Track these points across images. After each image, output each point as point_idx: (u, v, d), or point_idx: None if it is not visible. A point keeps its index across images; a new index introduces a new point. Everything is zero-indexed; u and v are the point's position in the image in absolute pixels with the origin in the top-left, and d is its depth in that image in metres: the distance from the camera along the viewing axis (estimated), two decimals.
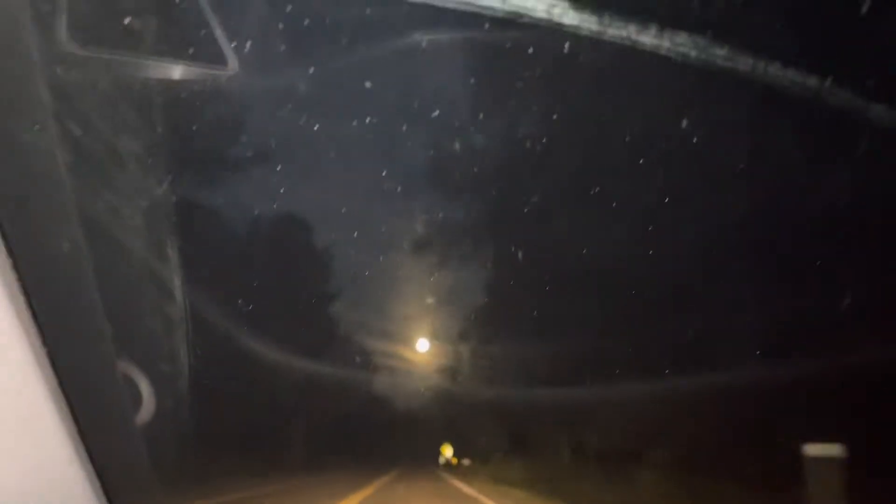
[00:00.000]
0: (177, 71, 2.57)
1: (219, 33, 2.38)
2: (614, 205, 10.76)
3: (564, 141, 12.02)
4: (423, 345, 23.73)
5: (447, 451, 29.24)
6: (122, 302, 2.22)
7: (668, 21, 4.26)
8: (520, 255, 16.69)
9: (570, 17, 3.85)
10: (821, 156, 7.25)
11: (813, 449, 5.27)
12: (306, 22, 7.79)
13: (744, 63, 4.41)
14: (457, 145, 15.41)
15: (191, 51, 2.53)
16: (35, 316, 1.20)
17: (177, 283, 3.41)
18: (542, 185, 14.10)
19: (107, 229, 2.37)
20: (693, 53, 4.21)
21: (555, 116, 11.66)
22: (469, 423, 25.60)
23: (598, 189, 11.15)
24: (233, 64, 2.43)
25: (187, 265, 3.68)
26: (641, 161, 9.21)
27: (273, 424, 16.43)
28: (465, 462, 27.35)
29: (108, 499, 1.34)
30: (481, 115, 13.44)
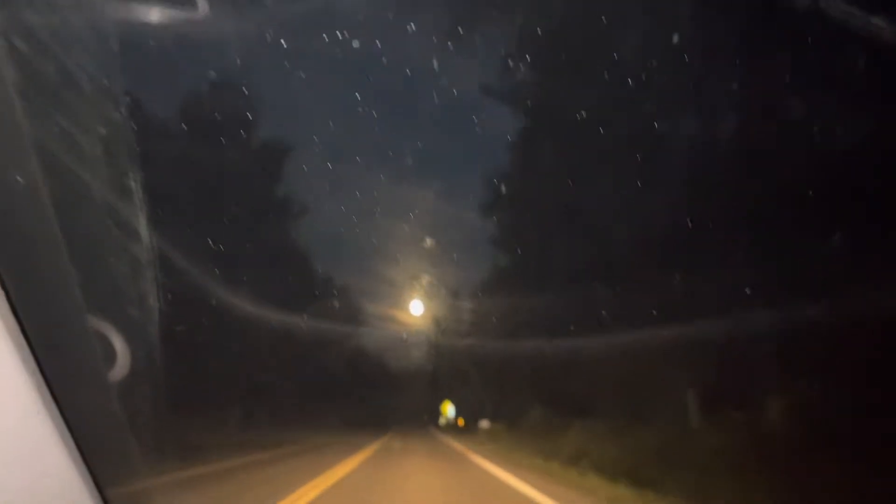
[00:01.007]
0: None
1: None
2: (601, 137, 10.72)
3: (549, 62, 11.79)
4: (415, 305, 23.61)
5: (448, 411, 27.74)
6: (85, 241, 2.13)
7: None
8: (503, 188, 16.70)
9: None
10: (817, 80, 7.20)
11: None
12: None
13: None
14: (435, 64, 14.83)
15: None
16: None
17: (142, 220, 3.31)
18: (526, 112, 13.87)
19: (64, 161, 2.24)
20: None
21: (539, 31, 11.29)
22: (458, 379, 25.52)
23: (583, 114, 11.05)
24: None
25: (152, 201, 3.55)
26: (631, 82, 9.09)
27: (253, 378, 16.54)
28: (461, 423, 26.03)
29: (83, 456, 1.32)
30: (460, 30, 12.88)
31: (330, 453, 10.99)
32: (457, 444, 15.81)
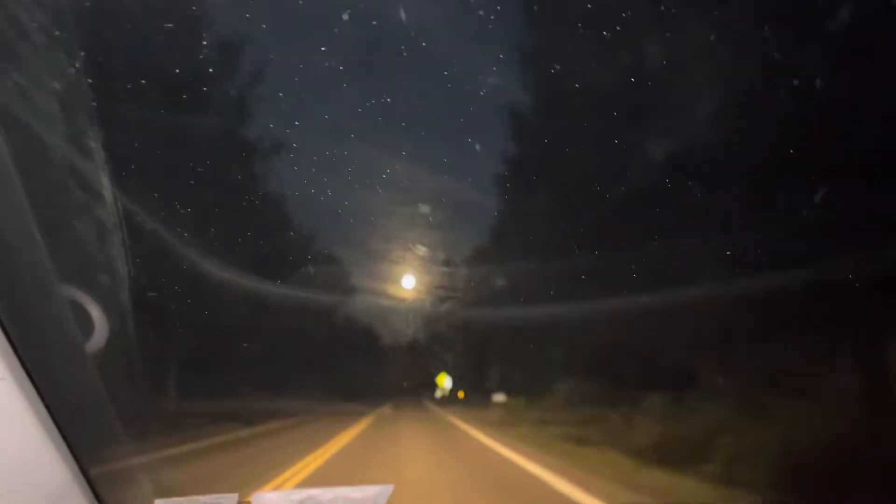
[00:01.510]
0: None
1: None
2: (586, 101, 10.68)
3: (533, 29, 11.60)
4: (405, 277, 23.19)
5: (444, 382, 25.80)
6: (48, 204, 2.05)
7: None
8: (477, 147, 16.58)
9: None
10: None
11: None
12: None
13: None
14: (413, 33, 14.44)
15: None
16: None
17: (105, 182, 3.20)
18: (514, 82, 13.73)
19: (18, 116, 2.13)
20: None
21: None
22: (451, 351, 24.94)
23: (577, 86, 10.97)
24: None
25: (114, 161, 3.43)
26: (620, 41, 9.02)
27: (233, 346, 16.42)
28: (461, 395, 24.03)
29: (60, 430, 1.30)
30: None
31: (317, 430, 11.13)
32: (464, 424, 13.27)
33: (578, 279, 11.68)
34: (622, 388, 9.96)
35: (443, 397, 25.91)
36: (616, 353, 10.87)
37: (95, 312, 1.64)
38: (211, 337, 14.11)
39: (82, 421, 1.51)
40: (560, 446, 8.37)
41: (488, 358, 20.51)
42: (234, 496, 1.64)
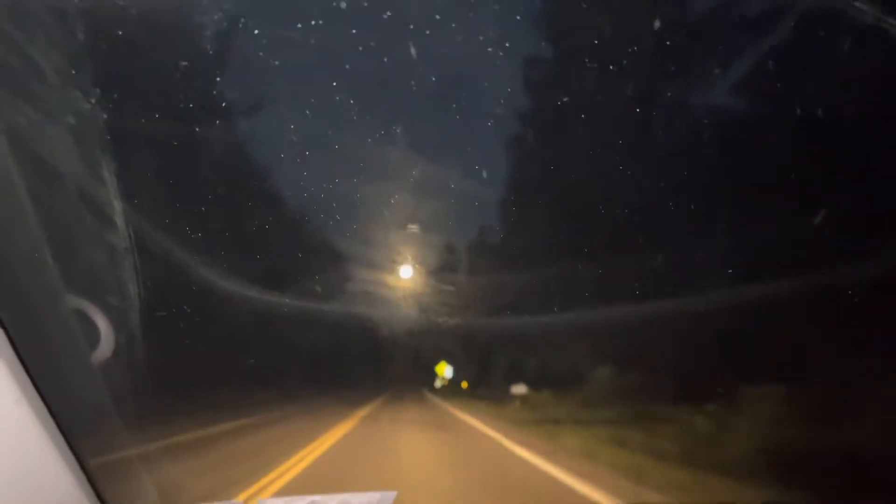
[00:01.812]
0: None
1: None
2: (588, 117, 10.80)
3: (530, 40, 11.81)
4: (403, 272, 22.97)
5: (444, 371, 24.02)
6: (61, 232, 2.21)
7: None
8: (484, 174, 16.71)
9: None
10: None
11: None
12: None
13: None
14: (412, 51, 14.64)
15: None
16: None
17: (117, 208, 3.37)
18: (506, 90, 13.86)
19: (35, 152, 2.30)
20: None
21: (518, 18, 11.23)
22: (448, 348, 24.26)
23: (566, 100, 11.14)
24: None
25: (126, 189, 3.61)
26: (613, 67, 9.19)
27: (239, 361, 16.69)
28: (465, 385, 22.26)
29: (68, 441, 1.39)
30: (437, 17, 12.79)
31: (314, 426, 11.05)
32: (478, 422, 10.86)
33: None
34: (691, 380, 7.69)
35: (443, 387, 24.34)
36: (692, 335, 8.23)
37: (102, 324, 1.77)
38: (217, 347, 14.33)
39: (88, 430, 1.62)
40: (627, 460, 6.06)
41: (500, 344, 17.36)
42: (239, 502, 1.71)
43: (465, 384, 21.84)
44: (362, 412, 14.90)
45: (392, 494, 1.76)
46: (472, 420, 12.01)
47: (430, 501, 4.49)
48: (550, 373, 13.36)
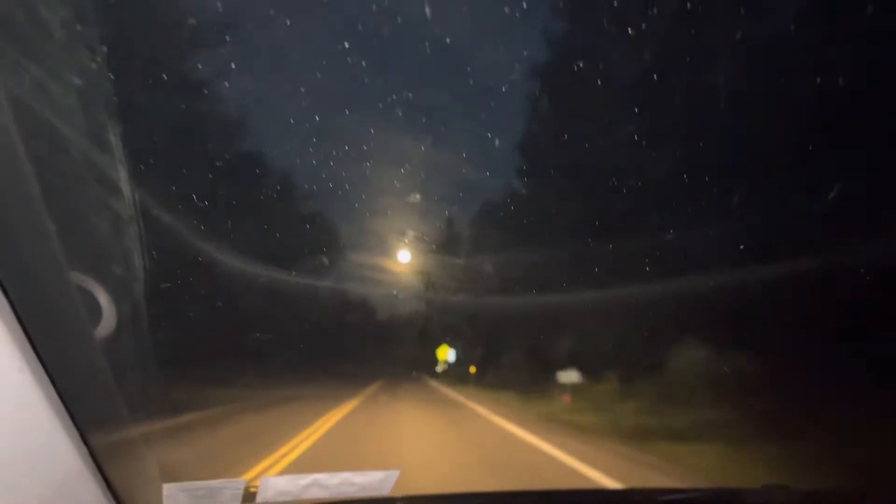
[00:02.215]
0: None
1: None
2: (599, 87, 10.63)
3: (548, 1, 11.61)
4: (402, 255, 22.82)
5: (446, 355, 22.64)
6: (64, 197, 2.13)
7: None
8: (497, 142, 16.57)
9: None
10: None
11: None
12: None
13: None
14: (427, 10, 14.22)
15: None
16: None
17: (122, 175, 3.29)
18: (514, 58, 13.66)
19: (38, 113, 2.21)
20: None
21: None
22: (448, 330, 24.18)
23: (582, 65, 10.97)
24: None
25: (132, 155, 3.53)
26: (631, 31, 8.99)
27: (243, 334, 16.81)
28: (473, 370, 20.26)
29: (71, 415, 1.35)
30: None
31: (318, 406, 11.12)
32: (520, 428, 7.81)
33: None
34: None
35: (444, 372, 22.90)
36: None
37: (105, 294, 1.71)
38: (222, 323, 14.42)
39: (92, 406, 1.57)
40: None
41: (517, 323, 14.64)
42: (242, 481, 1.69)
43: (473, 369, 20.28)
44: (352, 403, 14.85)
45: (395, 474, 1.77)
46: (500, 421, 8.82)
47: (432, 481, 4.57)
48: (600, 355, 9.77)
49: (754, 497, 2.03)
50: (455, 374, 21.46)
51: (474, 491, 2.55)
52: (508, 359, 15.38)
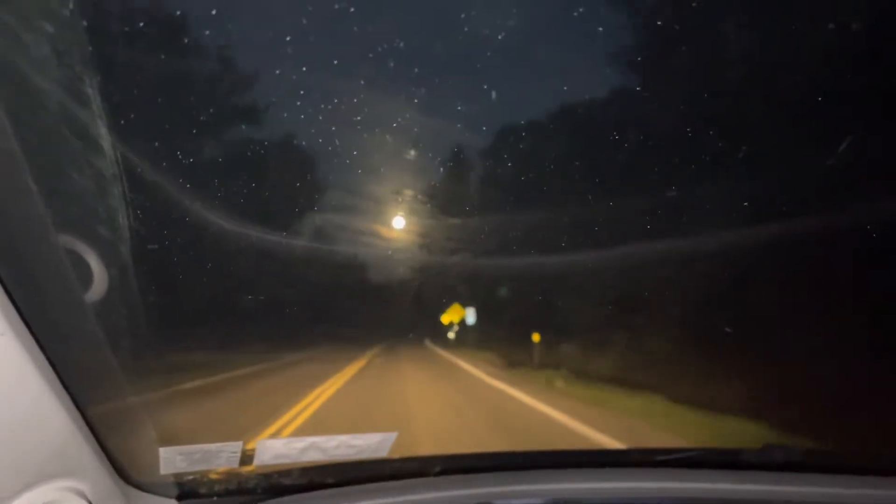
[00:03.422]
0: None
1: None
2: (599, 37, 10.40)
3: None
4: (396, 214, 22.44)
5: (458, 316, 21.13)
6: (43, 154, 2.08)
7: None
8: (493, 95, 16.32)
9: None
10: None
11: None
12: None
13: None
14: None
15: None
16: None
17: (102, 130, 3.22)
18: (511, 4, 13.35)
19: (10, 61, 2.14)
20: None
21: None
22: (449, 293, 23.97)
23: (582, 10, 10.70)
24: None
25: (112, 109, 3.44)
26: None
27: (236, 297, 16.83)
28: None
29: (62, 381, 1.36)
30: None
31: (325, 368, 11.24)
32: None
33: None
34: None
35: (455, 335, 21.63)
36: None
37: (94, 262, 1.69)
38: (214, 287, 14.42)
39: (84, 370, 1.58)
40: None
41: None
42: (239, 444, 1.71)
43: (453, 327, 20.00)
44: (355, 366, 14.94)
45: (392, 436, 1.81)
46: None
47: (431, 443, 4.69)
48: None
49: (753, 457, 2.08)
50: (448, 338, 21.74)
51: (471, 452, 2.61)
52: (506, 319, 15.82)
